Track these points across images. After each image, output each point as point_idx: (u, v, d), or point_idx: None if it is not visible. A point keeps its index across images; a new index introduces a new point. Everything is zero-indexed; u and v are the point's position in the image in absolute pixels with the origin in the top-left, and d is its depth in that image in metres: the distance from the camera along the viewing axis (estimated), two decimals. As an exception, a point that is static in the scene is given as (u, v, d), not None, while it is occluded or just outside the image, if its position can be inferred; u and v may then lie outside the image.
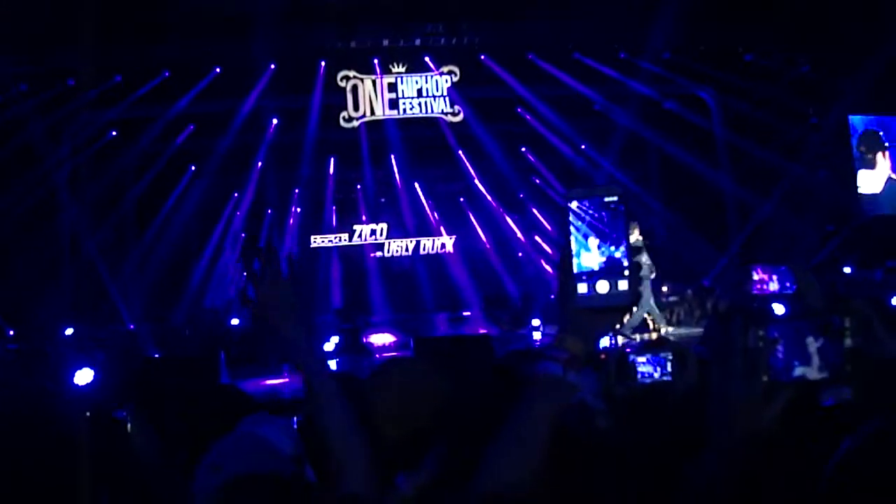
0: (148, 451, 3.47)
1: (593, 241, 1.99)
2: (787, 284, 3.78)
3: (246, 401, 3.99)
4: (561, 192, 25.65)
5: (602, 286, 1.96)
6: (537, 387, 2.07)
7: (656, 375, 3.31)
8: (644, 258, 15.51)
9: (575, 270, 1.99)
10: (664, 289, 20.26)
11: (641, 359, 3.37)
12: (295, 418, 5.01)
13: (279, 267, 2.68)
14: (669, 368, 3.37)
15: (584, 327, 2.04)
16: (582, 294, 1.98)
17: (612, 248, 1.97)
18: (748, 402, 1.88)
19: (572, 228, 2.00)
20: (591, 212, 1.99)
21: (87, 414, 3.53)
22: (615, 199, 1.98)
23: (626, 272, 1.96)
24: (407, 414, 3.15)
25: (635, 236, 15.51)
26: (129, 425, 3.53)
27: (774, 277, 3.84)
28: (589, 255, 1.99)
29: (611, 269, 1.97)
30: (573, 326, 2.05)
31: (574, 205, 2.00)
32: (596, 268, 1.98)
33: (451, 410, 3.02)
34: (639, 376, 3.30)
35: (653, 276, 16.31)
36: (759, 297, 3.82)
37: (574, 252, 2.00)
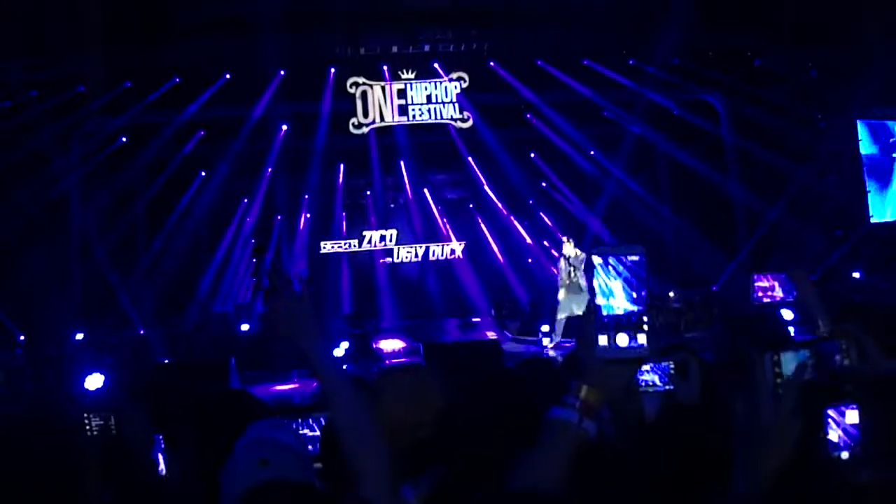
0: (142, 452, 3.51)
1: (618, 290, 2.11)
2: (791, 291, 3.83)
3: (257, 405, 4.01)
4: (574, 201, 25.79)
5: (622, 339, 2.09)
6: (552, 431, 2.14)
7: (659, 384, 3.33)
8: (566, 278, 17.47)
9: (602, 313, 2.11)
10: (671, 294, 20.37)
11: (645, 367, 3.39)
12: (313, 423, 5.05)
13: (290, 283, 2.71)
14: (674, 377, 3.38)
15: (603, 377, 2.15)
16: (602, 346, 2.09)
17: (634, 302, 2.10)
18: (776, 429, 1.92)
19: (597, 280, 2.13)
20: (615, 266, 2.12)
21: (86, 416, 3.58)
22: (637, 258, 2.11)
23: (645, 326, 2.08)
24: (408, 422, 3.19)
25: (570, 249, 17.58)
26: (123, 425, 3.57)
27: (776, 284, 3.88)
28: (614, 300, 2.11)
29: (630, 323, 2.08)
30: (592, 376, 2.15)
31: (599, 260, 2.13)
32: (619, 311, 2.10)
33: (453, 418, 3.04)
34: (641, 385, 3.31)
35: (574, 301, 17.22)
36: (766, 304, 3.86)
37: (599, 295, 2.11)
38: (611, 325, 2.08)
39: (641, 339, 2.07)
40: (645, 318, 2.07)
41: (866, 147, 21.60)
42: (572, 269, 17.43)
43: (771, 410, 1.92)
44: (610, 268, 2.09)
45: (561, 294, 17.66)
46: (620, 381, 2.17)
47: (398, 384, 3.35)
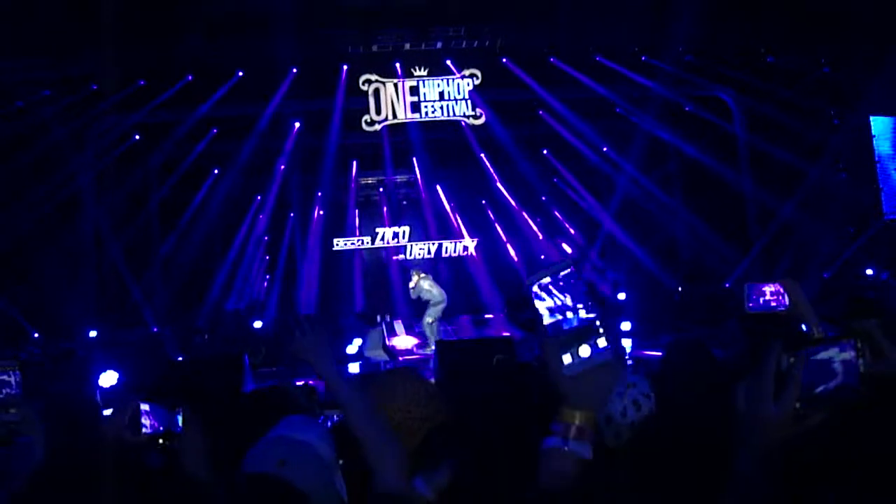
0: (198, 456, 3.52)
1: (561, 310, 2.16)
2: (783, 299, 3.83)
3: (295, 401, 4.02)
4: (586, 197, 25.84)
5: (584, 350, 2.11)
6: (545, 461, 2.17)
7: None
8: (429, 288, 20.19)
9: (553, 340, 2.15)
10: (679, 289, 20.44)
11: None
12: (329, 422, 5.08)
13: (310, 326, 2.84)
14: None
15: (583, 394, 2.16)
16: (569, 364, 2.12)
17: (580, 311, 2.13)
18: (778, 421, 1.92)
19: (540, 307, 2.17)
20: (551, 287, 2.18)
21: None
22: (568, 270, 2.18)
23: (601, 329, 2.10)
24: (407, 422, 3.23)
25: (415, 281, 20.19)
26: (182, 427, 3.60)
27: (768, 291, 3.88)
28: (563, 322, 2.15)
29: (585, 332, 2.11)
30: (569, 397, 2.16)
31: (536, 287, 2.19)
32: (573, 334, 2.13)
33: (464, 412, 3.08)
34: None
35: (443, 304, 20.32)
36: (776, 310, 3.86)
37: (547, 324, 2.16)
38: (568, 342, 2.11)
39: (602, 343, 2.10)
40: (598, 323, 2.10)
41: (881, 143, 21.55)
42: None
43: (773, 411, 1.94)
44: (551, 289, 2.14)
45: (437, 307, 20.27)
46: (601, 391, 2.18)
47: (391, 389, 3.39)
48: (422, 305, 20.60)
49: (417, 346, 20.44)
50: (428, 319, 20.04)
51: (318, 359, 2.92)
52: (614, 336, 2.12)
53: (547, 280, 2.16)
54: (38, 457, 3.31)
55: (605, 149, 24.48)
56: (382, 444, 2.70)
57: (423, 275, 20.49)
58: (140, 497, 2.59)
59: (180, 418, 3.59)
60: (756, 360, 2.04)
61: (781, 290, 3.80)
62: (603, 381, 2.16)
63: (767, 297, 3.85)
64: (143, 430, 3.59)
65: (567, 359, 2.10)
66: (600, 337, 2.09)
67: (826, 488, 2.21)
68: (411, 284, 20.36)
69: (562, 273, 2.16)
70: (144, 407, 3.64)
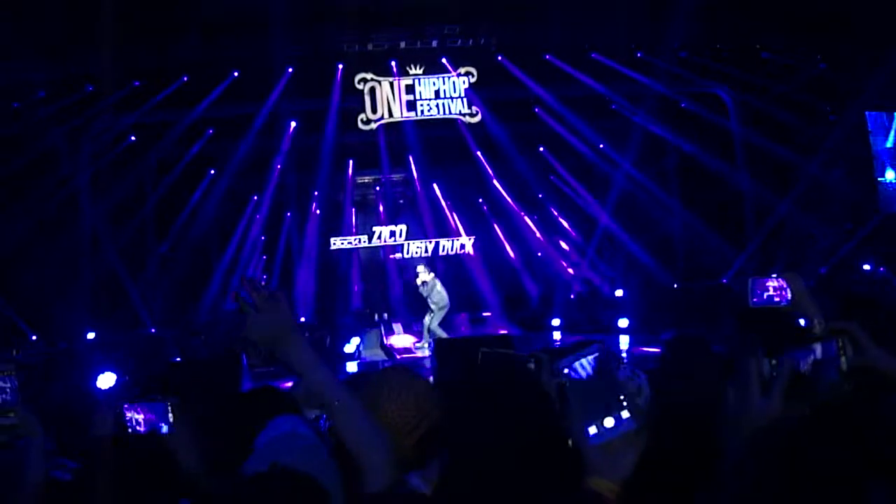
0: (189, 451, 3.53)
1: (588, 384, 2.32)
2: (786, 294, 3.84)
3: (286, 401, 4.01)
4: (583, 194, 25.83)
5: (608, 421, 2.21)
6: None
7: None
8: (440, 290, 19.64)
9: (581, 412, 2.24)
10: (676, 285, 20.47)
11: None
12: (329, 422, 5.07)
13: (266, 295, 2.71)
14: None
15: (607, 464, 2.21)
16: (594, 434, 2.21)
17: (605, 386, 2.25)
18: (765, 415, 1.95)
19: (566, 383, 2.30)
20: (578, 365, 2.39)
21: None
22: (594, 355, 2.37)
23: (625, 402, 2.21)
24: (402, 423, 3.23)
25: (423, 277, 19.79)
26: (171, 418, 3.59)
27: (771, 286, 3.88)
28: (588, 393, 2.26)
29: (610, 404, 2.22)
30: (594, 467, 2.21)
31: (562, 366, 2.36)
32: (597, 403, 2.24)
33: (458, 410, 3.07)
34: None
35: (447, 309, 19.74)
36: (778, 304, 3.87)
37: (574, 398, 2.26)
38: (595, 414, 2.17)
39: (626, 414, 2.19)
40: (622, 396, 2.19)
41: (885, 139, 21.59)
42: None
43: (759, 408, 1.97)
44: (575, 373, 2.23)
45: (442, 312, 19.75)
46: (625, 460, 2.21)
47: (386, 387, 3.37)
48: (422, 304, 20.51)
49: (415, 344, 20.40)
50: (435, 324, 19.76)
51: (286, 346, 2.66)
52: (638, 406, 2.20)
53: (572, 359, 2.34)
54: (38, 458, 3.32)
55: (601, 146, 24.46)
56: (369, 442, 2.64)
57: (432, 274, 20.16)
58: (135, 493, 2.58)
59: (170, 415, 3.59)
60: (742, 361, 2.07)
61: (784, 285, 3.81)
62: (627, 451, 2.21)
63: (770, 292, 3.86)
64: (129, 429, 3.60)
65: (592, 430, 2.19)
66: (623, 409, 2.18)
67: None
68: (425, 278, 19.89)
69: (588, 357, 2.34)
70: (132, 405, 3.65)
